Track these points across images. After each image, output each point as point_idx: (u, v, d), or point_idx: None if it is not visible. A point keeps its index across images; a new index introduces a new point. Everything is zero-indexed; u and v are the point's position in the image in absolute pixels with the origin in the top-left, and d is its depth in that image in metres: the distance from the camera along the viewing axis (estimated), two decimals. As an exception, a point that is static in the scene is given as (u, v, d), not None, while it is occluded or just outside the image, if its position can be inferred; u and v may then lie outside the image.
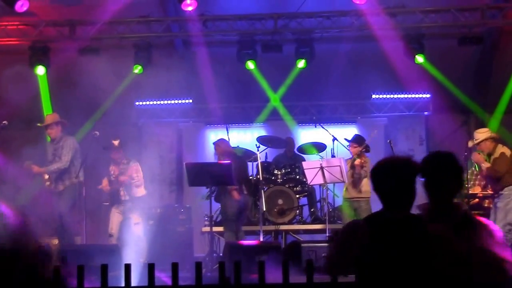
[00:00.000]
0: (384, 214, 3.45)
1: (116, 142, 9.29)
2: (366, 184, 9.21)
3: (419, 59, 10.64)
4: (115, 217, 9.30)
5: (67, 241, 8.89)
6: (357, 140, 9.44)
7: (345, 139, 9.69)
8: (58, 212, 8.99)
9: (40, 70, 10.77)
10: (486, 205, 9.50)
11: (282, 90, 11.65)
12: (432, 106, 11.93)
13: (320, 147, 10.95)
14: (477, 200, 9.60)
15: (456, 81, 11.24)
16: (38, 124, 9.49)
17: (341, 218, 9.74)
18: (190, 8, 10.27)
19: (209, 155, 11.05)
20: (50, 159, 9.25)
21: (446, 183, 3.50)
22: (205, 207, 9.26)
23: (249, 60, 10.90)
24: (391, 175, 3.42)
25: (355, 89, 11.66)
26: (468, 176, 9.56)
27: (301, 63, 10.94)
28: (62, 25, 10.75)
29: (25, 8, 10.19)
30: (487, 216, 9.19)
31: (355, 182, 9.22)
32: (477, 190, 9.70)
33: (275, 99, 11.76)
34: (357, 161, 9.11)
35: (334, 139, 10.20)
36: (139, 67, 10.90)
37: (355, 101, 12.11)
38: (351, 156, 9.42)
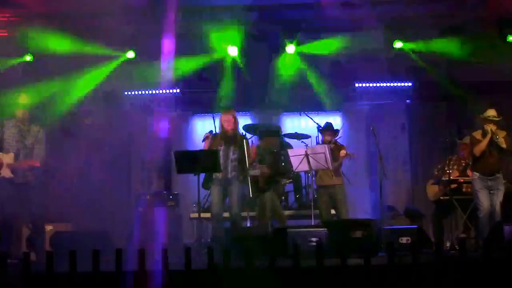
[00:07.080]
0: None
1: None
2: (340, 171, 9.61)
3: (398, 44, 10.86)
4: None
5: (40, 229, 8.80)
6: (329, 128, 9.76)
7: (318, 127, 10.00)
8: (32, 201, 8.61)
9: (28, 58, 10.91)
10: (464, 190, 9.76)
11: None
12: (414, 94, 12.18)
13: (303, 136, 11.17)
14: (456, 185, 9.81)
15: (437, 70, 11.51)
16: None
17: (318, 205, 9.60)
18: None
19: (197, 143, 11.25)
20: (17, 137, 8.57)
21: None
22: (193, 193, 9.43)
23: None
24: None
25: (338, 78, 11.86)
26: (447, 162, 9.86)
27: (291, 49, 11.17)
28: (52, 17, 10.90)
29: None
30: (470, 201, 9.39)
31: (336, 170, 9.47)
32: (455, 175, 9.92)
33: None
34: (342, 152, 9.40)
35: (318, 127, 10.38)
36: (132, 53, 11.19)
37: (339, 89, 12.28)
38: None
